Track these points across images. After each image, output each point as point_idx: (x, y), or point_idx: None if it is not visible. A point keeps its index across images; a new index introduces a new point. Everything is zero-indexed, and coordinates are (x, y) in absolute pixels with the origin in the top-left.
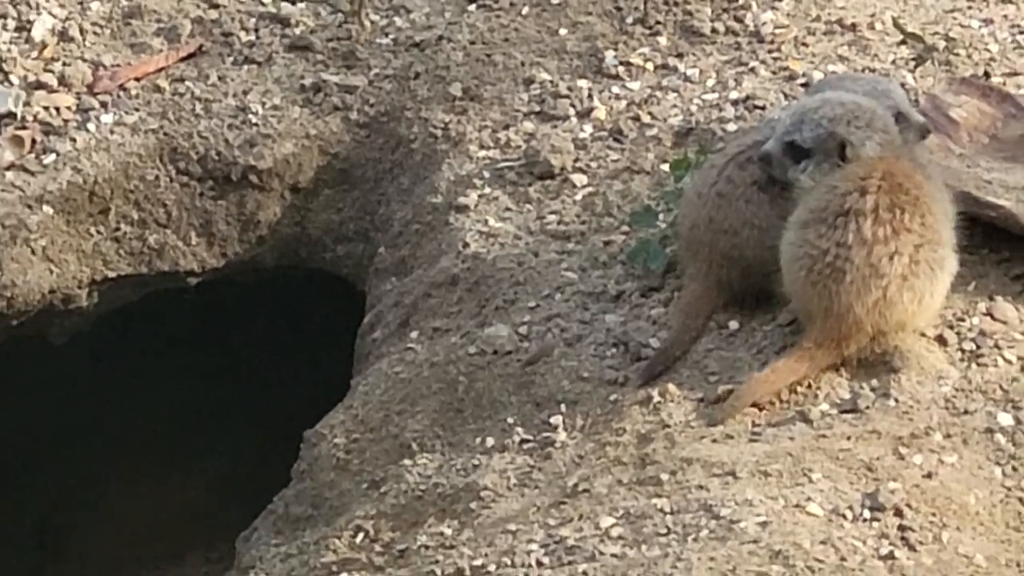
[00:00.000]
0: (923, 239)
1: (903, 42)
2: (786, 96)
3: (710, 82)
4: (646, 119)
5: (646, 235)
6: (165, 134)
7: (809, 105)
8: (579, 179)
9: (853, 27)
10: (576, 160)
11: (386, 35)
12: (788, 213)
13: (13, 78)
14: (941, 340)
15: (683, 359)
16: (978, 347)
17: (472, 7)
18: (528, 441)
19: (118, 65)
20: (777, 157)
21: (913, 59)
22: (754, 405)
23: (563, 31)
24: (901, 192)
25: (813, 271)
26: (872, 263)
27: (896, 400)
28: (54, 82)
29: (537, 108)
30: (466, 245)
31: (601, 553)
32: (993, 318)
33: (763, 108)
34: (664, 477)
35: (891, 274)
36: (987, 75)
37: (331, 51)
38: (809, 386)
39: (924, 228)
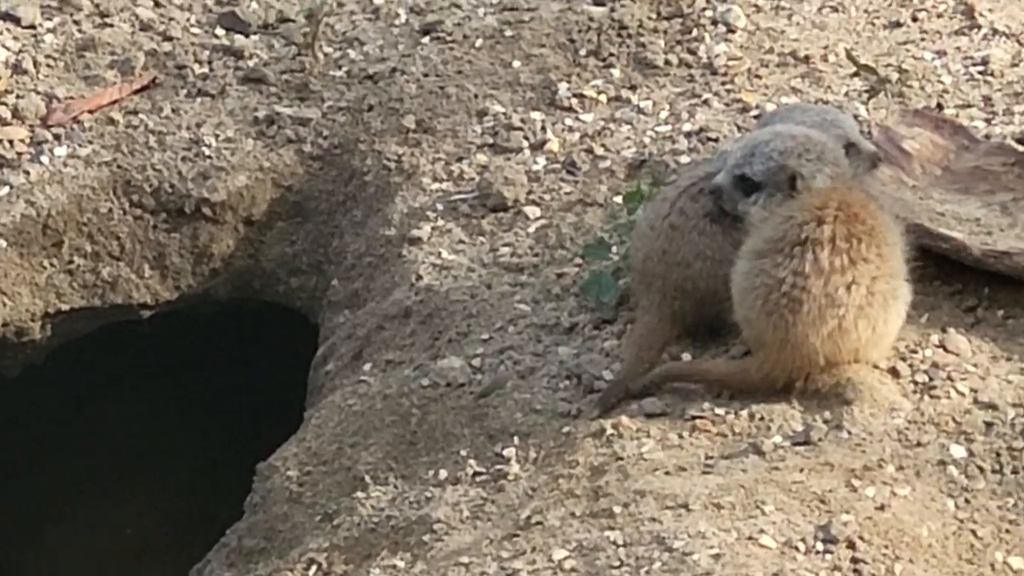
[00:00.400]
0: (879, 270)
1: (856, 74)
2: (739, 128)
3: (663, 114)
4: (599, 151)
5: (599, 268)
6: (119, 167)
7: (760, 138)
8: (532, 211)
9: (806, 59)
10: (529, 192)
11: (340, 67)
12: (741, 244)
13: None
14: (894, 372)
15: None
16: (931, 379)
17: (426, 39)
18: (481, 474)
19: (72, 98)
20: (728, 190)
21: (866, 91)
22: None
23: (516, 63)
24: (857, 222)
25: (769, 300)
26: (829, 292)
27: (849, 432)
28: (8, 115)
29: (490, 140)
30: (419, 277)
31: None
32: (946, 350)
33: (716, 140)
34: (617, 509)
35: (848, 304)
36: (940, 107)
37: (285, 83)
38: (762, 418)
39: (880, 259)
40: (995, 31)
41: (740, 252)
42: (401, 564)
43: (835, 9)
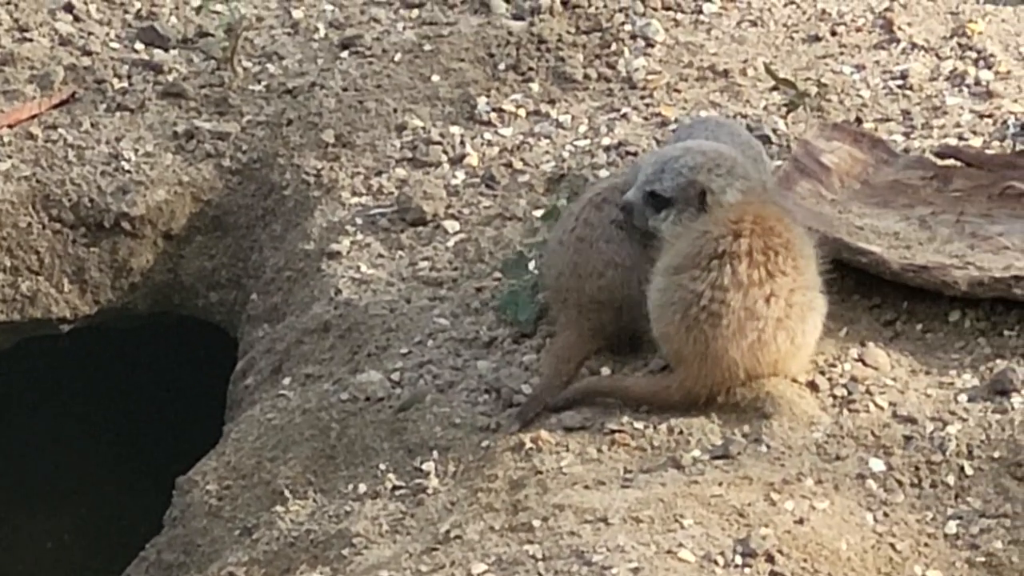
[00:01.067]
0: (796, 282)
1: (775, 88)
2: (658, 142)
3: (582, 128)
4: (518, 165)
5: (517, 284)
6: (38, 181)
7: (669, 154)
8: (451, 225)
9: (725, 73)
10: (448, 207)
11: (259, 82)
12: (651, 250)
13: None
14: (813, 386)
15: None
16: (850, 393)
17: (344, 54)
18: (400, 488)
19: None
20: (638, 206)
21: (785, 105)
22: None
23: (436, 77)
24: (773, 235)
25: (688, 315)
26: (747, 306)
27: (768, 446)
28: None
29: (409, 154)
30: (338, 292)
31: None
32: (865, 364)
33: (635, 154)
34: (536, 523)
35: (767, 316)
36: (859, 121)
37: (204, 98)
38: (681, 432)
39: (796, 271)
40: (914, 45)
41: (655, 268)
42: None
43: (754, 23)
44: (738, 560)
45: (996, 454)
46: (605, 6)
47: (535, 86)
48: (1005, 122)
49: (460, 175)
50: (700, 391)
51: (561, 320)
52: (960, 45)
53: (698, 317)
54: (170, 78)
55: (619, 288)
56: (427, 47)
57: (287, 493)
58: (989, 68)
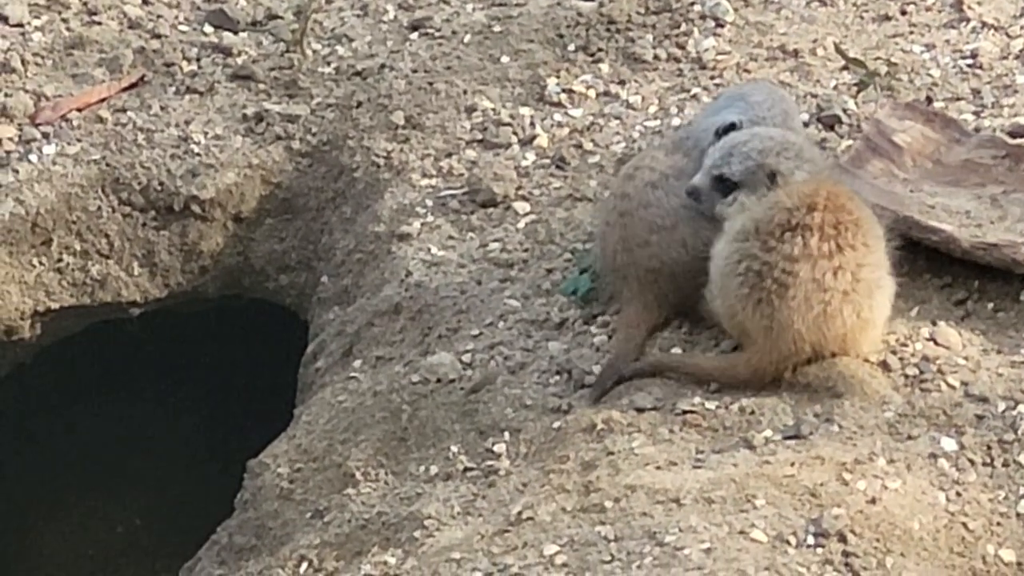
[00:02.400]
0: (865, 258)
1: (845, 68)
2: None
3: (652, 109)
4: (588, 146)
5: (580, 269)
6: (107, 164)
7: (737, 139)
8: (522, 207)
9: (795, 53)
10: (519, 188)
11: (328, 64)
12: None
13: None
14: (884, 365)
15: (628, 385)
16: (921, 372)
17: (414, 35)
18: (472, 469)
19: (60, 96)
20: (706, 191)
21: (855, 84)
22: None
23: (505, 59)
24: (845, 212)
25: (756, 287)
26: (816, 277)
27: (839, 426)
28: None
29: (479, 136)
30: (409, 274)
31: None
32: (936, 343)
33: None
34: (608, 504)
35: (834, 288)
36: (929, 100)
37: (273, 80)
38: (752, 412)
39: (866, 248)
40: (984, 24)
41: (722, 234)
42: (392, 560)
43: (824, 3)
44: (810, 540)
45: None
46: None
47: (605, 67)
48: None
49: (530, 156)
50: (767, 367)
51: (624, 296)
52: None
53: (766, 287)
54: (239, 61)
55: (666, 250)
56: (496, 28)
57: (358, 475)
58: None
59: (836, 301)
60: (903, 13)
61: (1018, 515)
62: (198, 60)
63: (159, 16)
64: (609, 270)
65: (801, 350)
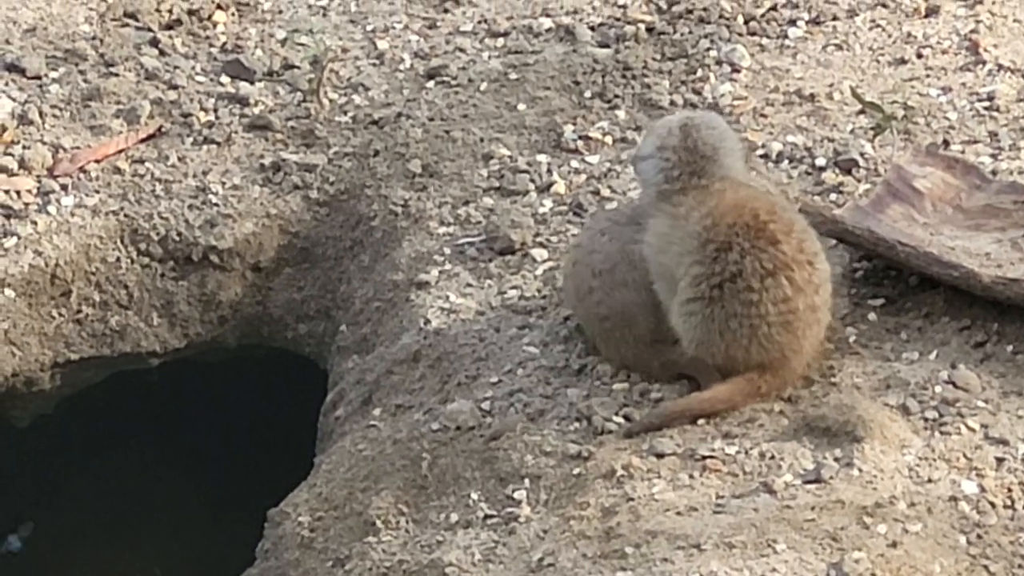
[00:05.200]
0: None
1: (862, 111)
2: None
3: None
4: (606, 192)
5: None
6: (126, 215)
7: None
8: (539, 254)
9: (812, 97)
10: (536, 235)
11: (345, 113)
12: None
13: None
14: (904, 409)
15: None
16: (941, 415)
17: (430, 83)
18: (492, 516)
19: (78, 147)
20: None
21: (872, 128)
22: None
23: (521, 106)
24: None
25: (758, 331)
26: (810, 304)
27: (860, 470)
28: (14, 165)
29: (496, 183)
30: (427, 321)
31: None
32: (955, 386)
33: None
34: (629, 550)
35: (822, 306)
36: (946, 143)
37: (290, 130)
38: (772, 457)
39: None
40: (1000, 67)
41: (668, 300)
42: None
43: (840, 47)
44: None
45: None
46: (690, 32)
47: (621, 113)
48: None
49: (547, 203)
50: (785, 388)
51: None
52: None
53: (768, 330)
54: (256, 111)
55: (609, 294)
56: (512, 76)
57: (379, 523)
58: None
59: (824, 316)
60: (919, 56)
61: None
62: (215, 110)
63: (176, 67)
64: (606, 342)
65: (805, 367)
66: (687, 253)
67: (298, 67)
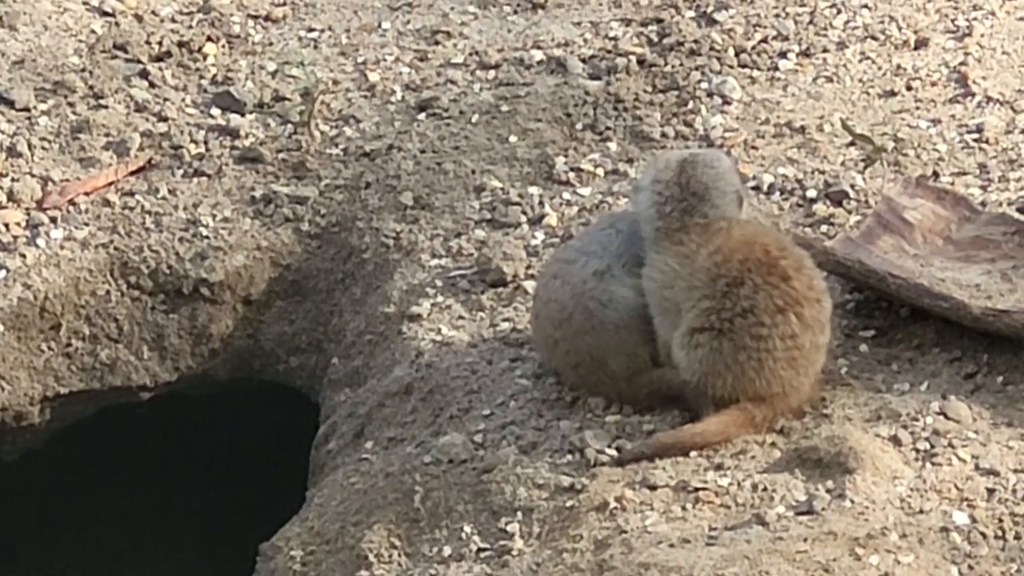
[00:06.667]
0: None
1: (852, 143)
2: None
3: None
4: None
5: None
6: (116, 248)
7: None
8: (532, 286)
9: (802, 129)
10: (528, 267)
11: (336, 145)
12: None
13: None
14: (895, 440)
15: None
16: (932, 446)
17: (422, 116)
18: (485, 550)
19: (67, 180)
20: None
21: (862, 160)
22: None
23: (513, 138)
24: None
25: (764, 368)
26: (813, 343)
27: (852, 501)
28: (3, 198)
29: (488, 215)
30: (420, 354)
31: None
32: (946, 417)
33: None
34: None
35: (821, 344)
36: (936, 175)
37: (281, 162)
38: (764, 489)
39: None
40: (989, 99)
41: (669, 334)
42: None
43: (830, 79)
44: None
45: None
46: (681, 64)
47: (613, 145)
48: None
49: (539, 235)
50: (778, 421)
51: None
52: None
53: (774, 367)
54: (247, 143)
55: (573, 342)
56: (504, 108)
57: (371, 557)
58: None
59: (822, 355)
60: (908, 88)
61: None
62: (205, 143)
63: (166, 99)
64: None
65: (802, 402)
66: (695, 288)
67: (289, 99)
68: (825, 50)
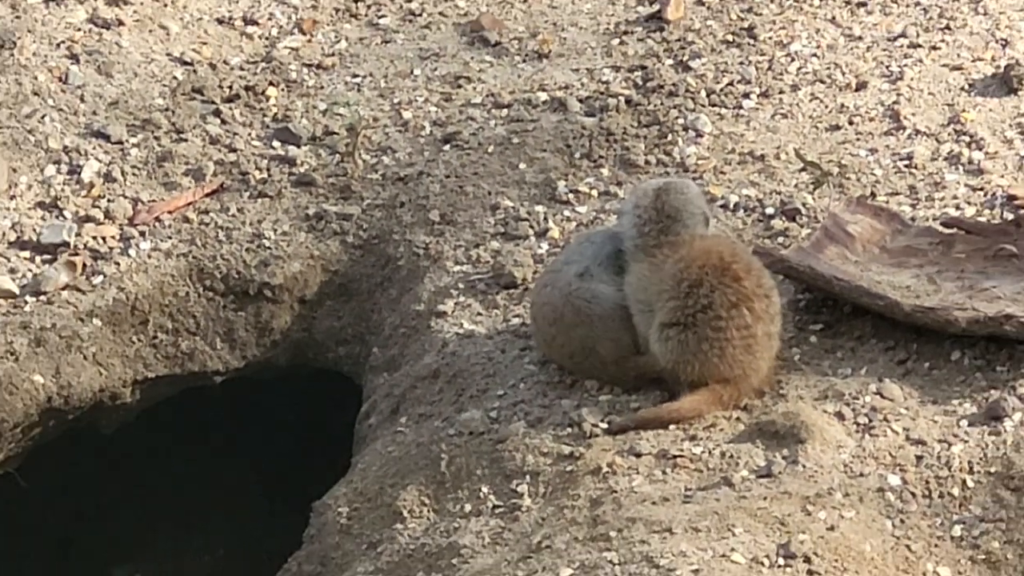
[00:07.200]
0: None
1: (803, 169)
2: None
3: None
4: None
5: None
6: (194, 257)
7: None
8: None
9: (762, 157)
10: (535, 272)
11: (376, 171)
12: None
13: (67, 213)
14: (840, 415)
15: (629, 434)
16: (870, 421)
17: (447, 147)
18: (499, 507)
19: (154, 201)
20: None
21: (812, 183)
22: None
23: (522, 165)
24: (751, 272)
25: (727, 352)
26: (766, 332)
27: (803, 466)
28: (101, 216)
29: (502, 230)
30: (445, 344)
31: None
32: (882, 396)
33: None
34: (612, 534)
35: (773, 333)
36: (873, 195)
37: (330, 186)
38: (731, 456)
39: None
40: (917, 131)
41: (646, 329)
42: None
43: (785, 116)
44: (780, 561)
45: (992, 469)
46: (662, 104)
47: (605, 171)
48: (994, 195)
49: (544, 246)
50: (739, 399)
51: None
52: (956, 131)
53: (733, 354)
54: (302, 169)
55: (567, 336)
56: (515, 140)
57: (405, 513)
58: (980, 150)
59: (776, 342)
60: (850, 123)
61: (952, 538)
62: (267, 169)
63: (235, 133)
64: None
65: (760, 382)
66: (663, 291)
67: (337, 133)
68: (781, 91)
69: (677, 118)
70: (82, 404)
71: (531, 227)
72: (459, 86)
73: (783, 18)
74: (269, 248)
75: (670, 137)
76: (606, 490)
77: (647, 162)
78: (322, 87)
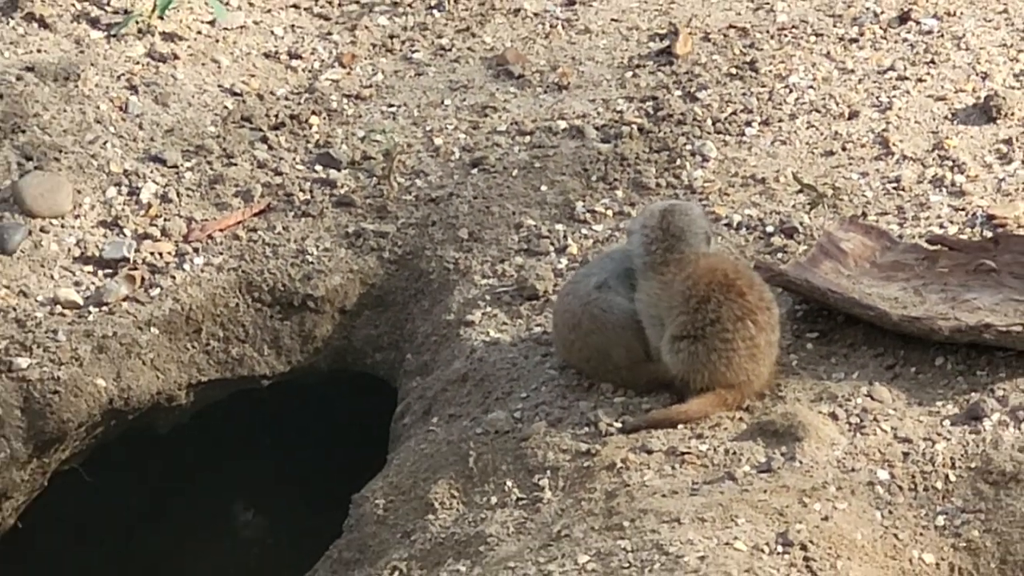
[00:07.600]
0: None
1: (800, 191)
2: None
3: None
4: None
5: None
6: (243, 271)
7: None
8: None
9: (763, 180)
10: (555, 285)
11: (409, 193)
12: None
13: (127, 231)
14: (833, 416)
15: (641, 433)
16: (861, 421)
17: (475, 171)
18: (522, 499)
19: (206, 220)
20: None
21: (808, 204)
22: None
23: (544, 187)
24: (753, 288)
25: (734, 361)
26: (769, 341)
27: (800, 462)
28: (158, 233)
29: (525, 246)
30: (473, 351)
31: None
32: (872, 398)
33: None
34: (626, 524)
35: (772, 343)
36: (864, 215)
37: (368, 206)
38: (735, 453)
39: (759, 297)
40: (905, 156)
41: (658, 341)
42: (463, 569)
43: (784, 142)
44: (779, 549)
45: (972, 465)
46: (671, 131)
47: (619, 193)
48: (975, 214)
49: (564, 261)
50: (744, 402)
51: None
52: (940, 156)
53: (739, 362)
54: (342, 191)
55: (584, 339)
56: (537, 164)
57: (436, 505)
58: (962, 173)
59: (776, 350)
60: (844, 149)
61: (936, 527)
62: (311, 191)
63: (281, 158)
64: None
65: (762, 387)
66: (674, 307)
67: (374, 158)
68: (780, 120)
69: (685, 144)
70: (141, 406)
71: (552, 244)
72: (486, 115)
73: (782, 53)
74: (312, 263)
75: (679, 162)
76: (620, 484)
77: (658, 184)
78: (360, 116)
